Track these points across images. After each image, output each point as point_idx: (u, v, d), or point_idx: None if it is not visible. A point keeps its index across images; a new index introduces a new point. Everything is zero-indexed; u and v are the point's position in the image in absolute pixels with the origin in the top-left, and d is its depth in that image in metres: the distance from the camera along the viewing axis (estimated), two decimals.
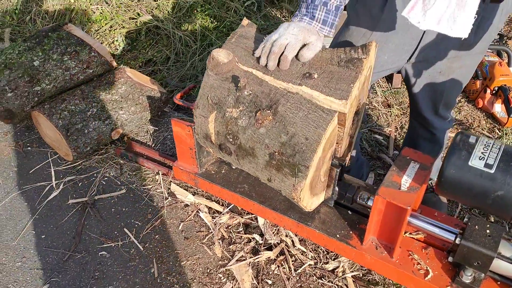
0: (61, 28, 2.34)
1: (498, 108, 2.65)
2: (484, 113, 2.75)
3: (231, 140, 1.51)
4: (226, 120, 1.48)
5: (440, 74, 1.71)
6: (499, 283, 1.44)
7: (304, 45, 1.39)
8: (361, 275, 1.75)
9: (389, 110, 2.77)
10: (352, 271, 1.76)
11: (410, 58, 1.67)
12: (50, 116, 2.13)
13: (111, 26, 3.49)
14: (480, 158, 1.26)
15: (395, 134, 2.61)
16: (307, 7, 1.39)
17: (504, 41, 3.24)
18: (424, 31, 1.55)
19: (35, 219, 2.05)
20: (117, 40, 3.48)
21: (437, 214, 1.67)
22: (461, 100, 2.88)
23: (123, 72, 2.39)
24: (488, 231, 1.38)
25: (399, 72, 1.79)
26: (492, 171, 1.23)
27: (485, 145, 1.28)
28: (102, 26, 3.46)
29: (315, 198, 1.54)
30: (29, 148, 2.42)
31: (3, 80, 2.13)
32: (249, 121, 1.44)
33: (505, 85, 2.63)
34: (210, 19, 3.61)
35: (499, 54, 2.87)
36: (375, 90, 2.92)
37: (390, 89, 2.95)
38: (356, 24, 1.64)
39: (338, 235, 1.61)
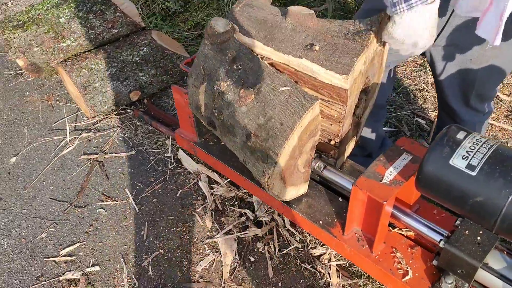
0: None
1: None
2: None
3: (216, 114, 1.46)
4: (214, 93, 1.43)
5: (471, 62, 1.52)
6: None
7: None
8: (347, 265, 1.65)
9: None
10: (338, 260, 1.66)
11: (435, 40, 1.49)
12: (70, 72, 2.19)
13: None
14: (464, 157, 1.10)
15: None
16: None
17: None
18: (452, 11, 1.37)
19: (48, 171, 2.14)
20: (168, 1, 3.49)
21: (436, 212, 1.51)
22: None
23: (148, 34, 2.40)
24: (478, 238, 1.22)
25: (424, 55, 1.61)
26: (474, 173, 1.07)
27: (473, 143, 1.11)
28: None
29: (292, 188, 1.45)
30: (57, 102, 2.52)
31: (30, 35, 2.21)
32: (233, 97, 1.38)
33: None
34: None
35: None
36: (427, 69, 2.68)
37: None
38: None
39: (321, 222, 1.52)
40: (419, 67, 2.66)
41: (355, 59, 1.24)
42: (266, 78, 1.32)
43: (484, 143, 1.11)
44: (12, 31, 2.22)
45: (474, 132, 1.15)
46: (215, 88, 1.41)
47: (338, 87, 1.29)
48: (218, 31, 1.40)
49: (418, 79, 2.63)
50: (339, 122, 1.42)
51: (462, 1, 1.22)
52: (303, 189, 1.50)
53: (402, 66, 2.75)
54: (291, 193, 1.47)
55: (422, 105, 2.52)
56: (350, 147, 1.67)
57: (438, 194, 1.17)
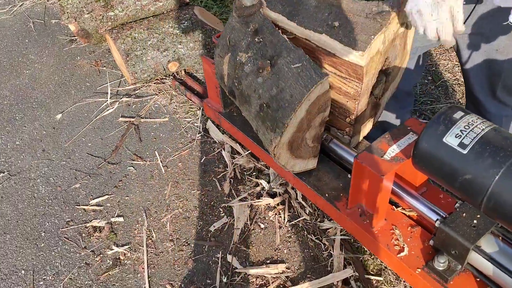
0: None
1: None
2: None
3: (236, 84, 1.54)
4: (236, 64, 1.51)
5: (497, 52, 1.52)
6: (478, 279, 1.30)
7: None
8: (352, 240, 1.71)
9: None
10: (344, 235, 1.72)
11: None
12: (115, 40, 2.35)
13: None
14: (457, 135, 1.13)
15: None
16: None
17: None
18: None
19: (88, 129, 2.32)
20: None
21: (442, 196, 1.53)
22: None
23: (190, 9, 2.51)
24: (475, 221, 1.25)
25: None
26: (465, 151, 1.10)
27: (468, 123, 1.14)
28: None
29: (299, 161, 1.51)
30: (104, 68, 2.70)
31: (82, 2, 2.38)
32: (252, 68, 1.45)
33: None
34: None
35: None
36: None
37: None
38: None
39: (327, 195, 1.57)
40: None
41: (372, 36, 1.28)
42: (283, 52, 1.38)
43: (479, 124, 1.13)
44: None
45: (472, 114, 1.17)
46: (237, 59, 1.50)
47: (354, 63, 1.34)
48: (245, 4, 1.47)
49: (459, 73, 2.59)
50: (355, 99, 1.47)
51: None
52: (311, 163, 1.56)
53: (444, 60, 2.71)
54: (299, 166, 1.53)
55: (460, 100, 2.49)
56: (366, 127, 1.70)
57: (431, 171, 1.20)
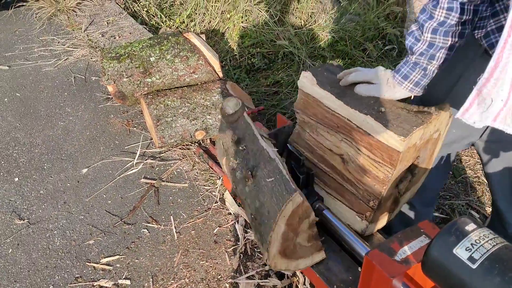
0: (181, 34, 2.70)
1: None
2: None
3: (234, 187, 1.58)
4: (230, 168, 1.57)
5: None
6: None
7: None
8: None
9: None
10: None
11: (482, 135, 1.55)
12: (149, 104, 2.48)
13: (253, 44, 3.83)
14: (467, 248, 1.14)
15: None
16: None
17: None
18: None
19: (110, 186, 2.40)
20: (255, 57, 3.79)
21: None
22: None
23: (223, 84, 2.64)
24: None
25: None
26: (474, 266, 1.11)
27: (479, 237, 1.15)
28: (245, 42, 3.81)
29: (302, 260, 1.50)
30: (134, 128, 2.83)
31: (123, 66, 2.55)
32: (241, 176, 1.49)
33: None
34: (342, 56, 3.70)
35: None
36: None
37: None
38: (431, 91, 1.59)
39: (335, 286, 1.57)
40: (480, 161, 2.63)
41: (414, 127, 1.35)
42: (261, 163, 1.42)
43: (491, 239, 1.15)
44: (109, 60, 2.57)
45: (485, 228, 1.18)
46: (230, 164, 1.55)
47: (392, 148, 1.40)
48: (228, 113, 1.54)
49: (481, 171, 2.60)
50: (383, 184, 1.51)
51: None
52: (318, 257, 1.56)
53: (466, 156, 2.74)
54: (303, 263, 1.51)
55: (479, 199, 2.48)
56: (381, 221, 1.72)
57: (439, 280, 1.20)
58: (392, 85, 1.42)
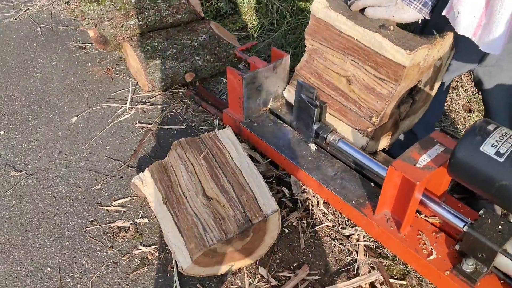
0: None
1: None
2: None
3: None
4: None
5: None
6: (502, 281, 1.42)
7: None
8: (374, 246, 1.80)
9: (469, 116, 2.67)
10: (366, 241, 1.81)
11: (481, 60, 1.64)
12: (135, 48, 2.41)
13: None
14: (493, 145, 1.25)
15: None
16: None
17: None
18: None
19: (105, 133, 2.35)
20: (221, 2, 3.71)
21: (461, 206, 1.65)
22: None
23: (207, 23, 2.60)
24: (500, 226, 1.36)
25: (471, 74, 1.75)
26: (502, 159, 1.22)
27: (502, 134, 1.27)
28: None
29: (246, 259, 1.80)
30: (116, 75, 2.74)
31: (103, 9, 2.43)
32: None
33: None
34: None
35: None
36: (459, 92, 2.83)
37: (477, 95, 2.83)
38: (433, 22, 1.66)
39: (353, 201, 1.67)
40: (452, 90, 2.80)
41: (420, 45, 1.46)
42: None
43: None
44: (88, 3, 2.45)
45: (503, 126, 1.30)
46: None
47: (398, 63, 1.50)
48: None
49: (450, 100, 2.76)
50: (386, 100, 1.61)
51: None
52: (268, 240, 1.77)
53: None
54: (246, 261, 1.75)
55: (452, 125, 2.65)
56: (383, 142, 1.83)
57: (468, 178, 1.32)
58: (401, 6, 1.48)
